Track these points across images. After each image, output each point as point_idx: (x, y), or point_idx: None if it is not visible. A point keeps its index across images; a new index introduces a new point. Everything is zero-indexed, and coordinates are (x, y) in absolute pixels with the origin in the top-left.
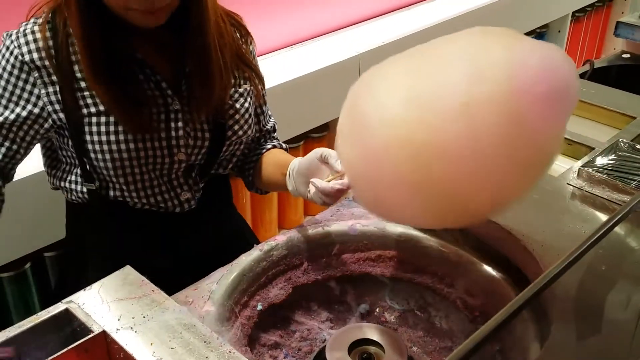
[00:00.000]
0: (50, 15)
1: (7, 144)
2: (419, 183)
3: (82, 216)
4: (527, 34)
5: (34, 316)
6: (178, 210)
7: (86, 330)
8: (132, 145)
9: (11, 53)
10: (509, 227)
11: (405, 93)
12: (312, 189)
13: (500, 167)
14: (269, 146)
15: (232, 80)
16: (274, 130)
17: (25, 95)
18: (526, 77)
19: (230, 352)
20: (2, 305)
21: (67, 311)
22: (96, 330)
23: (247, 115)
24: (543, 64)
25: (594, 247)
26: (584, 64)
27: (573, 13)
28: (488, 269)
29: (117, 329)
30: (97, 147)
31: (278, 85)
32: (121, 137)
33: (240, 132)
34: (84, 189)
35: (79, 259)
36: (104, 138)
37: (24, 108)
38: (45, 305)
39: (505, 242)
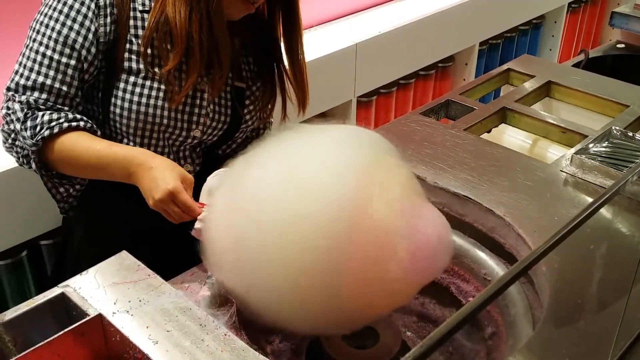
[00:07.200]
0: None
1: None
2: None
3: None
4: (524, 24)
5: (30, 300)
6: None
7: (82, 313)
8: (158, 112)
9: None
10: (502, 213)
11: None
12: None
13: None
14: None
15: None
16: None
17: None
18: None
19: (225, 335)
20: None
21: (63, 295)
22: (92, 313)
23: (259, 107)
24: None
25: (583, 229)
26: (579, 54)
27: (569, 4)
28: (482, 254)
29: (113, 313)
30: (121, 103)
31: None
32: (151, 101)
33: (250, 122)
34: None
35: (75, 247)
36: (135, 98)
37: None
38: (41, 293)
39: (499, 229)
